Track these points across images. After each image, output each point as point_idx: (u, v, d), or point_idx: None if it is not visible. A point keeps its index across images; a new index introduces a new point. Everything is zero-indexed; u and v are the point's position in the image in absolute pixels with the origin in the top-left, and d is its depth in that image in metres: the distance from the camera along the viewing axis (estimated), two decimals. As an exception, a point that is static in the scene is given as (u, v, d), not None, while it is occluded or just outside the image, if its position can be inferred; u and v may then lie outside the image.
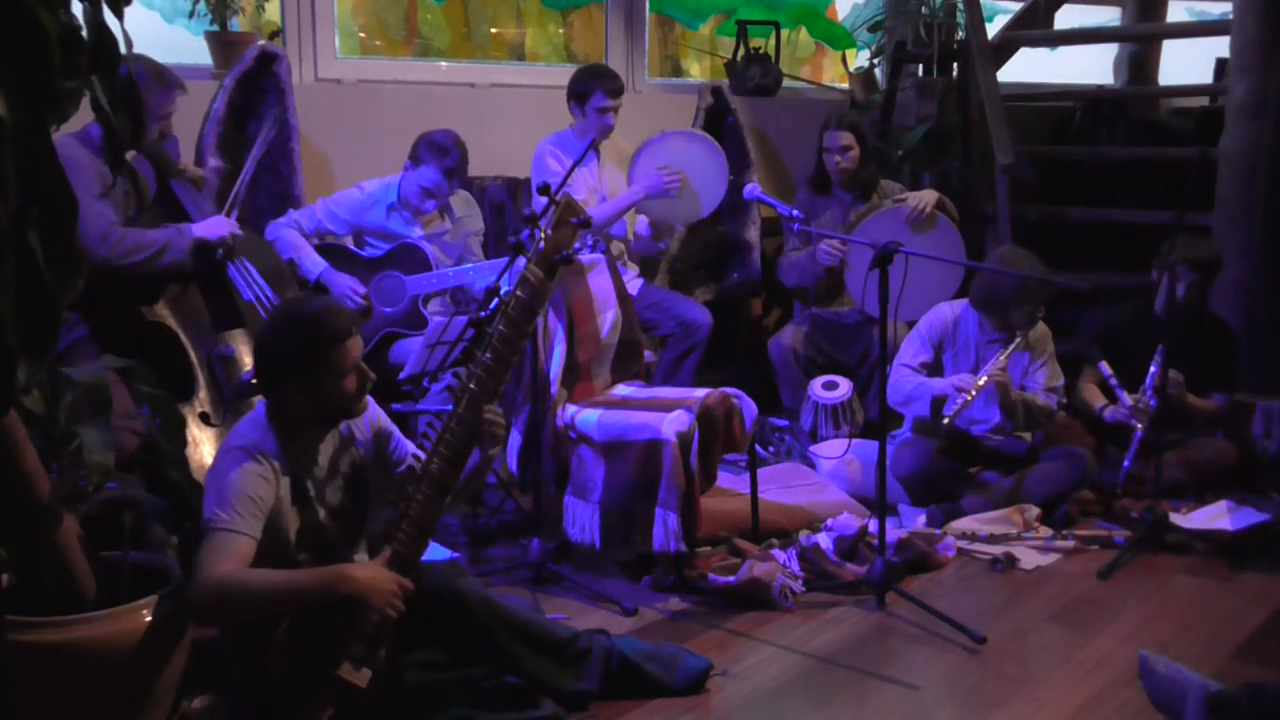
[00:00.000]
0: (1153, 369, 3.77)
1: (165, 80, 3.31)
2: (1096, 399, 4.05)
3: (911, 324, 4.16)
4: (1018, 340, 3.76)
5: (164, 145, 3.47)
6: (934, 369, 3.94)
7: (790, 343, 4.55)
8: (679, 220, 4.51)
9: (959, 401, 3.66)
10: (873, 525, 3.26)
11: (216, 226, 3.35)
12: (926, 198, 4.37)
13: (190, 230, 3.30)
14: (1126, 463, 3.70)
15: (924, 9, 5.33)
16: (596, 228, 3.97)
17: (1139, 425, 3.76)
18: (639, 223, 4.46)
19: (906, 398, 3.88)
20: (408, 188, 3.92)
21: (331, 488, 2.53)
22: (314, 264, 3.80)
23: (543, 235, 2.46)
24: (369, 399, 2.58)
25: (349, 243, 4.02)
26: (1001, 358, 3.72)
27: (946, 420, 3.64)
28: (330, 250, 3.93)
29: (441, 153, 3.88)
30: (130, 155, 3.31)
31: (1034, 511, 3.70)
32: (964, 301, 3.94)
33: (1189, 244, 3.83)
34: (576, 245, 2.57)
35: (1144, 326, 4.01)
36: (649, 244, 4.49)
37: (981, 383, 3.67)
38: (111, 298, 3.18)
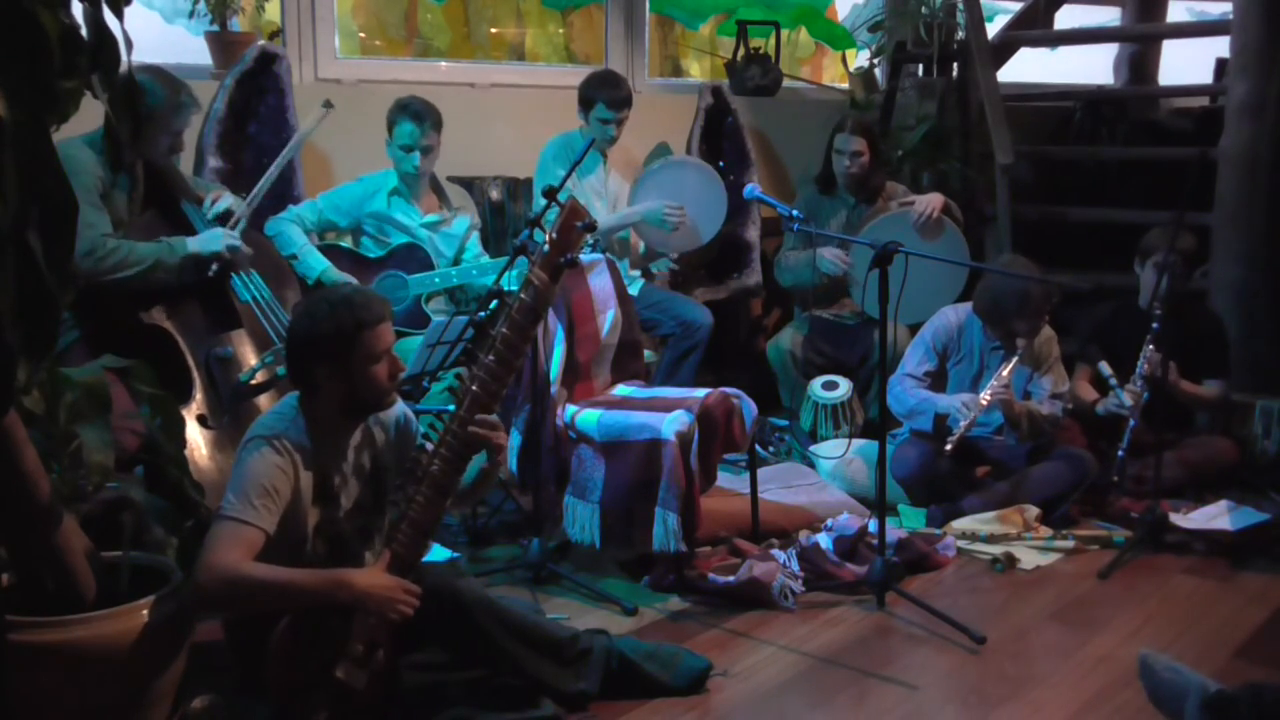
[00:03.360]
0: (1142, 358, 3.77)
1: (180, 97, 3.29)
2: (1089, 395, 4.04)
3: (913, 326, 4.15)
4: (1019, 355, 3.76)
5: (173, 160, 3.45)
6: (938, 376, 3.93)
7: (788, 345, 4.56)
8: (674, 249, 4.55)
9: (961, 423, 3.66)
10: (873, 525, 3.26)
11: (210, 240, 3.31)
12: (934, 202, 4.36)
13: (185, 244, 3.28)
14: (1121, 452, 3.67)
15: (924, 9, 5.33)
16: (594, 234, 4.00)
17: (1132, 416, 3.74)
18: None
19: (909, 411, 3.88)
20: (395, 160, 3.94)
21: (353, 484, 2.52)
22: (316, 262, 3.80)
23: (548, 238, 2.45)
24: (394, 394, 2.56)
25: (347, 239, 4.03)
26: (1004, 373, 3.71)
27: (949, 446, 3.63)
28: (332, 250, 3.93)
29: (400, 107, 3.90)
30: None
31: (1034, 511, 3.69)
32: (968, 305, 3.93)
33: (1169, 236, 3.80)
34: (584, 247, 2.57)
35: (1130, 321, 4.01)
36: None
37: (984, 402, 3.66)
38: (106, 302, 3.18)
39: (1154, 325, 3.69)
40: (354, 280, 3.80)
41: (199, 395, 3.25)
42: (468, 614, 2.41)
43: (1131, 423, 3.70)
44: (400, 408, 2.62)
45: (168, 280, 3.23)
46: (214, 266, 3.32)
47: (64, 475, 2.29)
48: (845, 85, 5.80)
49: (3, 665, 2.00)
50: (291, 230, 3.83)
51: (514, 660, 2.47)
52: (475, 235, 4.17)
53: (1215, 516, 3.66)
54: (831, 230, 4.45)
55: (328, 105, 3.79)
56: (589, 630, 2.66)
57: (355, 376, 2.40)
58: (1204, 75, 6.53)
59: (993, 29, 5.72)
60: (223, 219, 3.44)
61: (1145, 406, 3.70)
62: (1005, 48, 5.85)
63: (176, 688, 2.33)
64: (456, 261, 4.05)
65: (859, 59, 5.91)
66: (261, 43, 4.04)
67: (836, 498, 3.90)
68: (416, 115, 3.87)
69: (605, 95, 4.22)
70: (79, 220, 2.95)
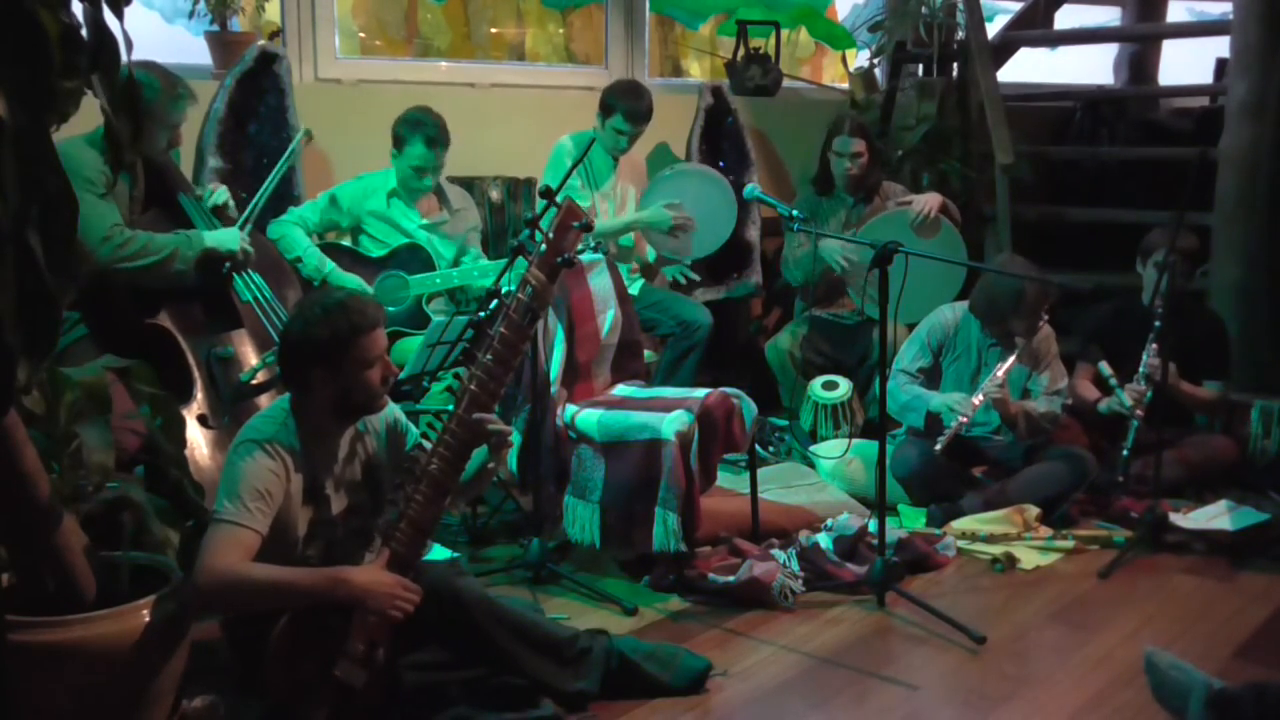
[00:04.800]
0: (1145, 358, 3.76)
1: (176, 90, 3.30)
2: (1091, 394, 4.04)
3: (910, 326, 4.15)
4: (1015, 353, 3.75)
5: (170, 155, 3.46)
6: (932, 373, 3.93)
7: (788, 345, 4.56)
8: (682, 254, 4.57)
9: (954, 423, 3.65)
10: (873, 525, 3.26)
11: (229, 240, 3.34)
12: (931, 201, 4.37)
13: (202, 238, 3.29)
14: (1125, 451, 3.67)
15: (924, 9, 5.33)
16: (595, 236, 4.00)
17: (1137, 415, 3.73)
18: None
19: (902, 407, 3.88)
20: (401, 175, 3.94)
21: (346, 485, 2.52)
22: (320, 263, 3.80)
23: (544, 238, 2.45)
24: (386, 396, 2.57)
25: (347, 239, 4.02)
26: (1000, 373, 3.71)
27: (939, 447, 3.63)
28: (332, 250, 3.93)
29: (417, 125, 3.89)
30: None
31: (1034, 511, 3.69)
32: (965, 304, 3.93)
33: (1170, 235, 3.79)
34: (579, 248, 2.57)
35: (1131, 321, 4.00)
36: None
37: (977, 402, 3.66)
38: (108, 301, 3.18)
39: (1155, 324, 3.69)
40: (361, 281, 3.80)
41: (199, 395, 3.25)
42: (468, 613, 2.42)
43: (1135, 422, 3.69)
44: (391, 408, 2.62)
45: (183, 273, 3.24)
46: (226, 265, 3.34)
47: (64, 475, 2.29)
48: (845, 85, 5.80)
49: (3, 665, 1.99)
50: (295, 233, 3.83)
51: (514, 660, 2.47)
52: (475, 237, 4.17)
53: (1215, 516, 3.66)
54: (830, 231, 4.46)
55: (307, 135, 3.94)
56: (589, 630, 2.66)
57: (349, 380, 2.41)
58: (1204, 75, 6.53)
59: (993, 29, 5.72)
60: (220, 210, 3.46)
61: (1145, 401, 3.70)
62: (1005, 48, 5.85)
63: (176, 688, 2.33)
64: (456, 262, 4.05)
65: (859, 59, 5.91)
66: (261, 43, 4.04)
67: (836, 498, 3.90)
68: (431, 140, 3.86)
69: (626, 105, 4.22)
70: (89, 213, 3.01)
